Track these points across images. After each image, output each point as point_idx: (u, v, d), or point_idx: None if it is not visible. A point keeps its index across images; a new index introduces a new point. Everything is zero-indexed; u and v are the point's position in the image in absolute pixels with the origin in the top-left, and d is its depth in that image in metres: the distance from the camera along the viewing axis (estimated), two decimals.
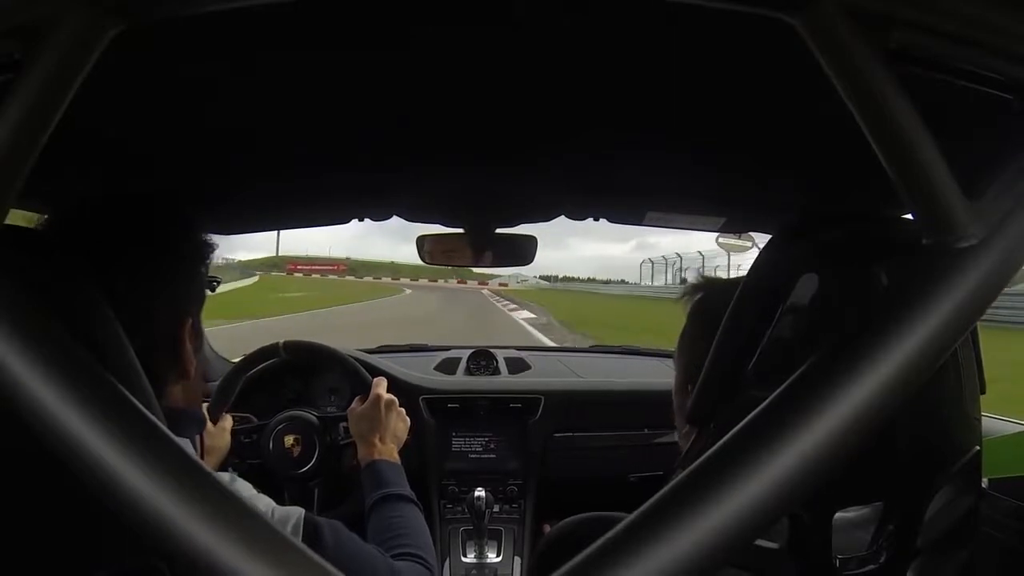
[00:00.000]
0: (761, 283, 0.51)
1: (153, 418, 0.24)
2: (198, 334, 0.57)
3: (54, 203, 0.73)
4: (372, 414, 0.98)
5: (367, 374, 1.10)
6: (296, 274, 58.74)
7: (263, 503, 0.64)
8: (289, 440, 1.16)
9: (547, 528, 0.79)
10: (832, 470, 0.23)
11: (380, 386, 1.02)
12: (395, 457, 0.95)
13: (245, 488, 0.63)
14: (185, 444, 0.48)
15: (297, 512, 0.63)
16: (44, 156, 0.25)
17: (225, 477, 0.69)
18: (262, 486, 0.66)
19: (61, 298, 0.38)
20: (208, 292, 0.61)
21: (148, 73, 0.44)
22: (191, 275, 0.56)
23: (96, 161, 0.64)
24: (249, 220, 0.99)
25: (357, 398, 1.04)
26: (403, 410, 1.03)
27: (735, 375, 0.50)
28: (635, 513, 0.22)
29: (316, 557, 0.21)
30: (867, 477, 0.46)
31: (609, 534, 0.22)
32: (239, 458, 1.14)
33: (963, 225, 0.24)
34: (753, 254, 0.56)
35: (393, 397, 1.02)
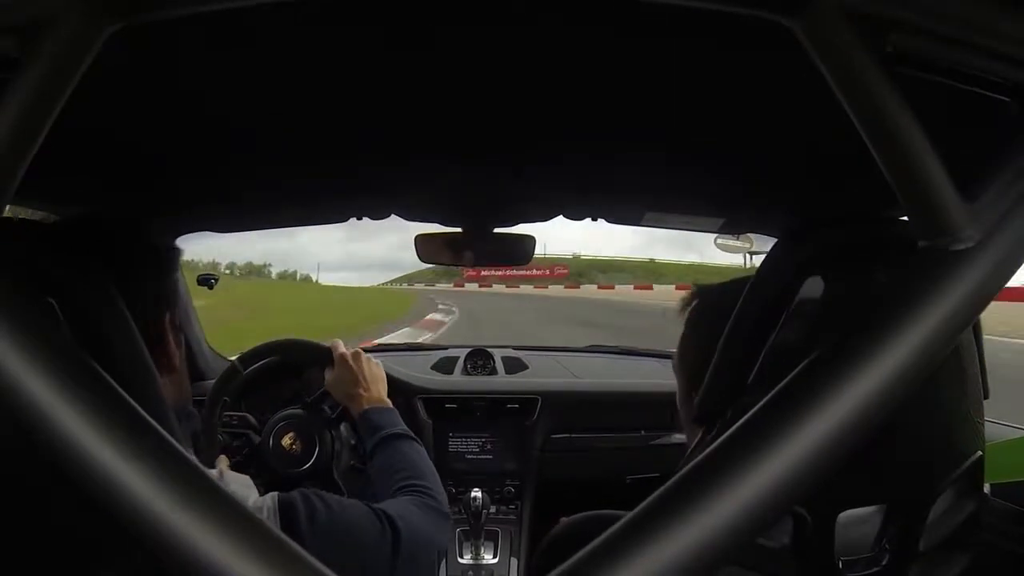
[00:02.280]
0: (766, 286, 0.52)
1: (149, 419, 0.24)
2: (177, 329, 0.59)
3: (53, 200, 0.73)
4: (343, 373, 0.99)
5: (322, 344, 1.08)
6: (470, 284, 43.22)
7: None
8: (288, 439, 1.16)
9: (563, 519, 0.80)
10: (830, 470, 0.23)
11: (338, 347, 1.03)
12: (384, 401, 0.96)
13: (233, 480, 0.63)
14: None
15: (271, 499, 0.63)
16: (41, 153, 0.25)
17: (214, 473, 0.69)
18: (266, 489, 0.66)
19: (70, 294, 0.38)
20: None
21: (145, 71, 0.44)
22: (161, 271, 0.58)
23: (94, 159, 0.64)
24: (247, 219, 0.99)
25: (326, 370, 1.04)
26: (370, 356, 1.03)
27: (740, 378, 0.50)
28: (635, 511, 0.22)
29: (316, 563, 0.21)
30: (870, 480, 0.46)
31: (609, 531, 0.22)
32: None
33: (960, 227, 0.24)
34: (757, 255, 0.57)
35: (356, 349, 1.03)
